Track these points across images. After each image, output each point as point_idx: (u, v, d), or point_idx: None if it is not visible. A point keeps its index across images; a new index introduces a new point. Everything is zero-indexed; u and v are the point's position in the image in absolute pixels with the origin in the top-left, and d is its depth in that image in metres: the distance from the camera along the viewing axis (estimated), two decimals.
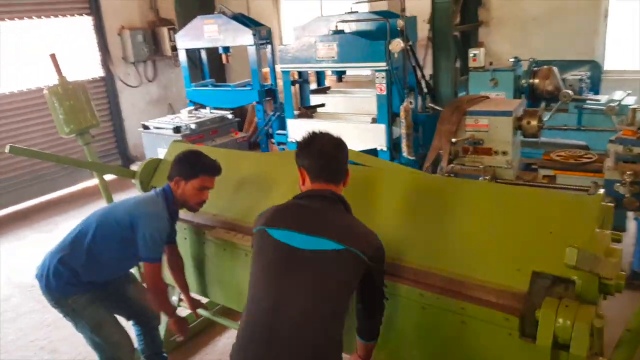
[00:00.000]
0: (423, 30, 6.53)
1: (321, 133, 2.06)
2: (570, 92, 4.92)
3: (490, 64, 5.27)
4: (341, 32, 5.22)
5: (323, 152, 1.99)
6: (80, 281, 2.60)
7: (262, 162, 3.14)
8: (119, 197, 3.09)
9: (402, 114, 4.43)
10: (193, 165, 2.68)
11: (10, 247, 5.77)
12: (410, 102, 5.01)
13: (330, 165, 2.00)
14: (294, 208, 2.00)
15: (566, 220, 1.90)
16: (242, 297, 2.04)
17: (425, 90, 5.53)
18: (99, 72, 7.78)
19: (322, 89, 6.49)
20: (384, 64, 4.69)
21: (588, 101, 5.06)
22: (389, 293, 2.07)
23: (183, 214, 2.91)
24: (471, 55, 5.13)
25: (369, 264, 1.85)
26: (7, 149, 2.76)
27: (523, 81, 5.01)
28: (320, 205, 1.94)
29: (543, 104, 5.06)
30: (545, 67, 5.08)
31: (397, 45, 4.58)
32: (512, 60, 5.12)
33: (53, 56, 3.16)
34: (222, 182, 2.85)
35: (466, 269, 1.99)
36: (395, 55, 4.66)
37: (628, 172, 3.17)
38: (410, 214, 2.23)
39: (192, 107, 6.58)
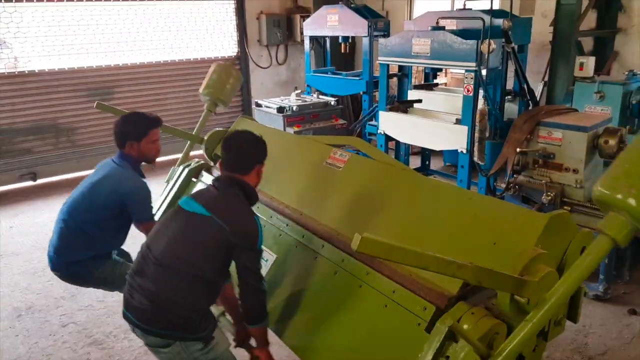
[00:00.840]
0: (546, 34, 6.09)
1: (242, 132, 2.40)
2: None
3: (599, 75, 4.77)
4: (441, 28, 5.15)
5: (234, 148, 2.30)
6: (94, 256, 2.91)
7: (294, 142, 3.36)
8: None
9: (477, 116, 4.29)
10: (139, 125, 2.95)
11: None
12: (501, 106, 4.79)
13: (237, 159, 2.29)
14: (204, 187, 2.41)
15: (512, 234, 1.85)
16: None
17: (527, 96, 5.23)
18: (234, 52, 8.61)
19: (428, 85, 6.44)
20: (473, 64, 4.54)
21: None
22: (340, 265, 2.23)
23: None
24: (578, 63, 4.70)
25: (232, 240, 2.09)
26: (95, 105, 3.35)
27: (633, 98, 4.44)
28: (218, 185, 2.28)
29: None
30: None
31: (487, 45, 4.41)
32: (626, 73, 4.57)
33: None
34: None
35: None
36: (486, 57, 4.48)
37: None
38: (367, 200, 2.35)
39: (299, 91, 7.01)
